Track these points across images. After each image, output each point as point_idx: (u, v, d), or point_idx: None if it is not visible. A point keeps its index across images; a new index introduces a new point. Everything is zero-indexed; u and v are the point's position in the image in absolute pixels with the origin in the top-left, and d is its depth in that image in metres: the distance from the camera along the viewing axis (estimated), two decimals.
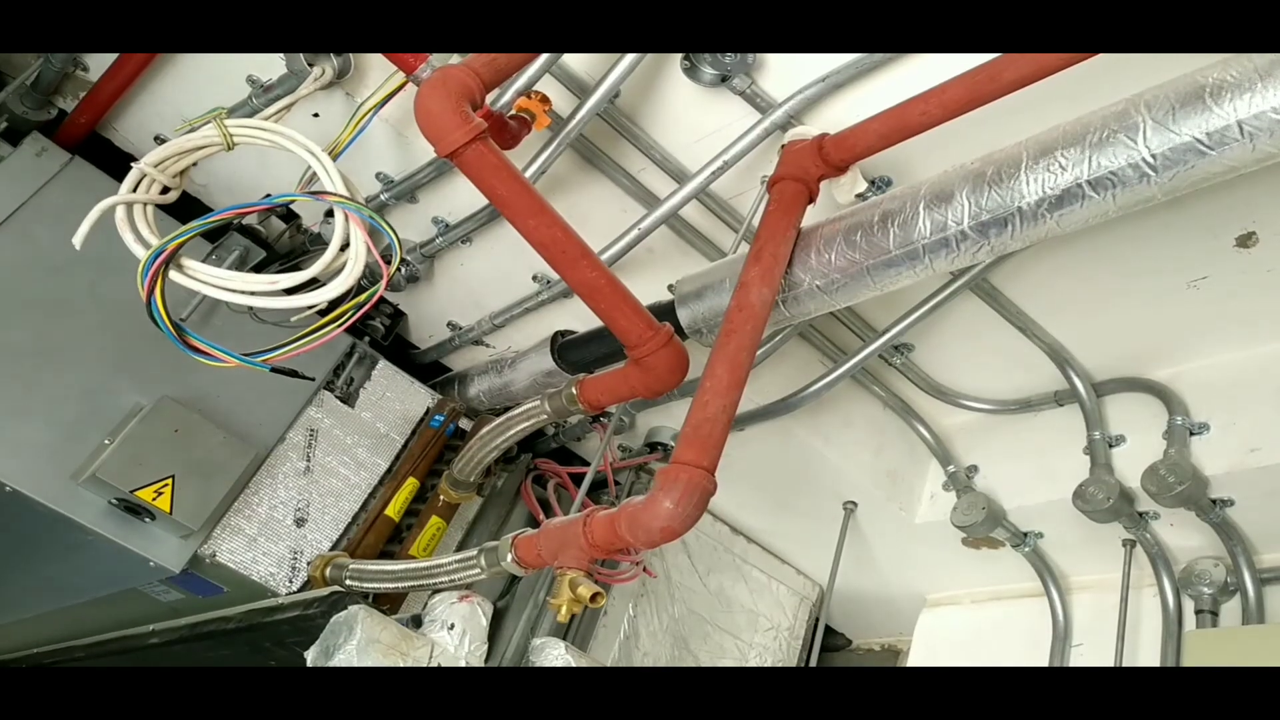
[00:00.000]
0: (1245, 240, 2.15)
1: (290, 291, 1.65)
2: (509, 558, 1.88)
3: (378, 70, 2.13)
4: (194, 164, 1.78)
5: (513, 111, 2.02)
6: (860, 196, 2.05)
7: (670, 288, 2.18)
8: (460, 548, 2.58)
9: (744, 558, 3.25)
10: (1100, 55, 1.60)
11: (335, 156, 1.84)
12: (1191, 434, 2.37)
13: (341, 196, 1.64)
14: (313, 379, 2.17)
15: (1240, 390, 2.36)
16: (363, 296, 1.66)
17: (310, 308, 1.69)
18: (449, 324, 2.84)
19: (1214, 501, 2.30)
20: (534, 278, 2.55)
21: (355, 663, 1.88)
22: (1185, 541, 2.47)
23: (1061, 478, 2.53)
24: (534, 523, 2.58)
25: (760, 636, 3.18)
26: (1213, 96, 1.42)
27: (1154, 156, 1.47)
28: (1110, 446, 2.51)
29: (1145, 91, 1.52)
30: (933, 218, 1.72)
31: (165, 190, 1.75)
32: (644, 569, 2.75)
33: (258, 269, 2.31)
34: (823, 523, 3.03)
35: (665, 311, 2.10)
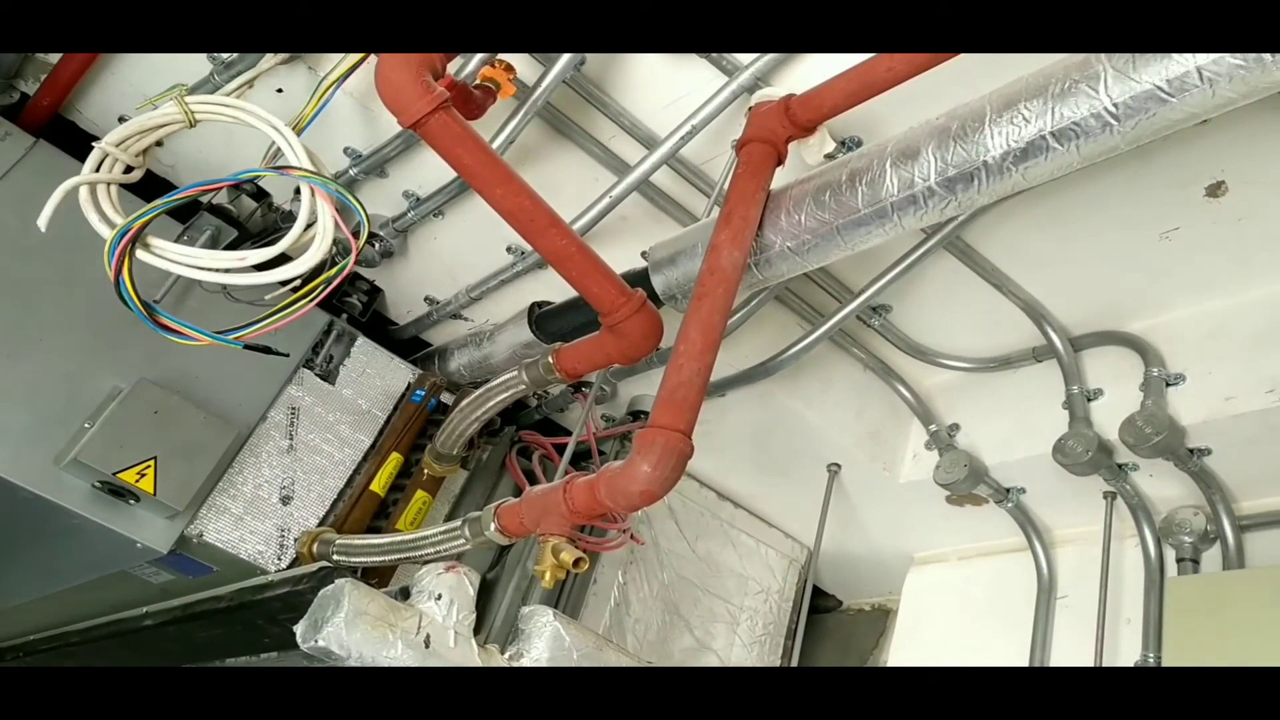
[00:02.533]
0: (1215, 190, 2.16)
1: (259, 268, 1.65)
2: (492, 527, 1.90)
3: None
4: (157, 143, 1.77)
5: (477, 81, 2.01)
6: (830, 156, 2.05)
7: (644, 254, 2.18)
8: (447, 520, 2.59)
9: (731, 523, 3.27)
10: None
11: (300, 131, 1.84)
12: (1168, 385, 2.38)
13: (306, 171, 1.63)
14: (286, 355, 2.17)
15: (1215, 340, 2.38)
16: (332, 271, 1.66)
17: (280, 283, 1.69)
18: (426, 298, 2.84)
19: (1191, 451, 2.32)
20: (508, 249, 2.55)
21: (344, 635, 1.89)
22: (1165, 491, 2.49)
23: (1042, 433, 2.55)
24: (520, 494, 2.60)
25: (750, 600, 3.20)
26: None
27: (1116, 105, 1.47)
28: (1089, 400, 2.52)
29: None
30: (900, 175, 1.72)
31: (129, 169, 1.74)
32: (631, 536, 2.77)
33: (230, 248, 2.30)
34: (808, 486, 3.05)
35: (640, 279, 2.10)
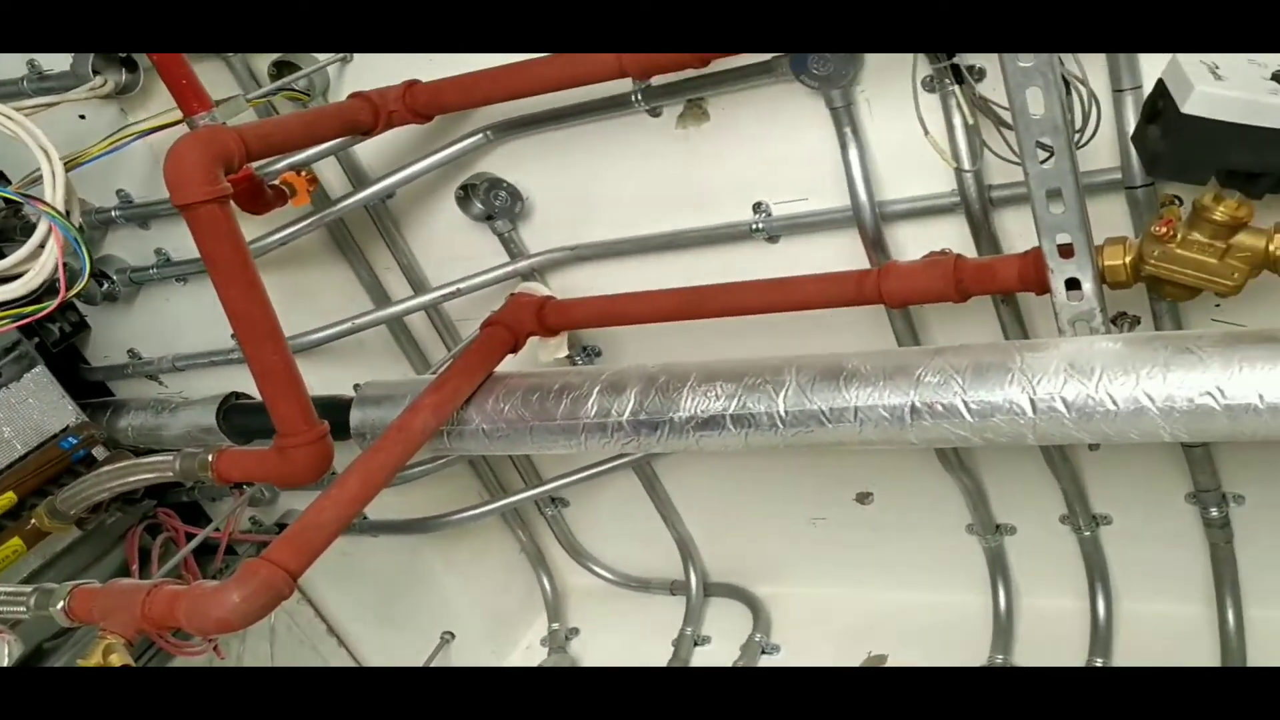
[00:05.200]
0: (863, 498, 2.52)
1: None
2: (60, 605, 1.77)
3: (161, 100, 2.06)
4: None
5: (275, 181, 2.05)
6: (570, 359, 2.25)
7: (355, 387, 2.23)
8: (34, 578, 2.40)
9: (326, 661, 3.17)
10: (797, 314, 1.90)
11: (76, 165, 1.78)
12: (763, 652, 2.64)
13: (52, 209, 1.61)
14: None
15: (818, 622, 2.67)
16: (28, 309, 1.62)
17: None
18: (130, 351, 2.70)
19: None
20: (233, 336, 2.50)
21: None
22: None
23: (643, 663, 2.70)
24: (126, 571, 2.49)
25: None
26: (846, 380, 1.68)
27: (786, 413, 1.71)
28: (695, 645, 2.75)
29: (803, 357, 1.76)
30: (601, 403, 1.88)
31: None
32: (215, 648, 2.65)
33: None
34: (418, 646, 3.03)
35: (341, 406, 2.14)
